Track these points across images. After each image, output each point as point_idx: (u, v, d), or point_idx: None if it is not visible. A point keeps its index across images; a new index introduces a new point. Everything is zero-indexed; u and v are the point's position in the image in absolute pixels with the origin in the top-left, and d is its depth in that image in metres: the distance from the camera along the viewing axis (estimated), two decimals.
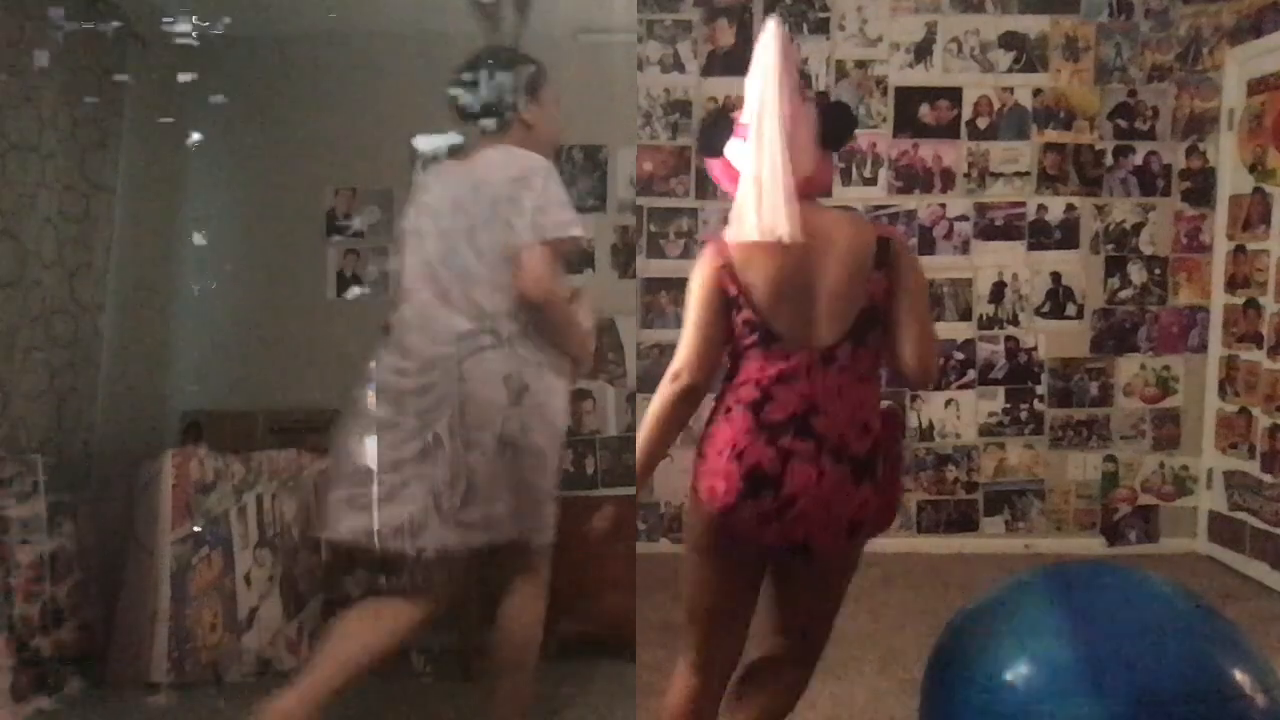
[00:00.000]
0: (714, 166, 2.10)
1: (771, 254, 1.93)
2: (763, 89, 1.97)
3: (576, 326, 2.51)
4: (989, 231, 4.56)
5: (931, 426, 4.59)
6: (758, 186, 1.92)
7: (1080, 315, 4.53)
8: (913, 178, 4.57)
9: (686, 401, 2.00)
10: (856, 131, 4.53)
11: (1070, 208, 4.52)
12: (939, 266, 4.57)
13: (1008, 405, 4.54)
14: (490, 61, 2.64)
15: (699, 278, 1.99)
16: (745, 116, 2.01)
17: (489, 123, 2.59)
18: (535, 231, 2.43)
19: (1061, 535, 4.49)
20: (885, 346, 2.05)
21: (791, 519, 1.90)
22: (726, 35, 4.55)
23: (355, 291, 4.33)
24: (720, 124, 2.08)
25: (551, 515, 2.56)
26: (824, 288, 1.95)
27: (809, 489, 1.90)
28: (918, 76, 4.55)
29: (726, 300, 1.95)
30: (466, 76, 2.63)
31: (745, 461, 1.91)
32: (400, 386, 2.54)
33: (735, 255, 1.96)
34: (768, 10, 4.53)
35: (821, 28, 4.55)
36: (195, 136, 4.33)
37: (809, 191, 1.98)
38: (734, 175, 2.02)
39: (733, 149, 2.04)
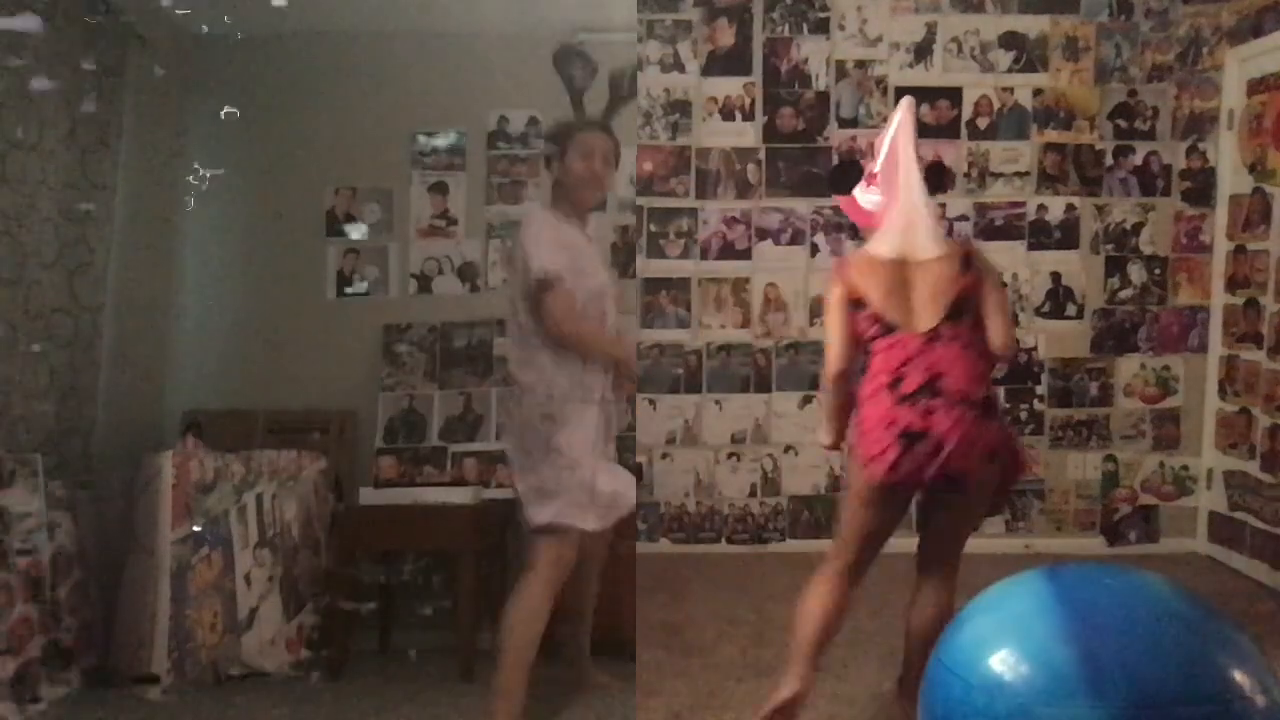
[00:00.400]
0: (842, 201, 2.86)
1: (878, 267, 2.61)
2: (903, 152, 2.65)
3: (603, 348, 2.95)
4: (989, 231, 4.56)
5: None
6: (906, 221, 2.61)
7: (1080, 315, 4.53)
8: None
9: (843, 383, 2.69)
10: (856, 132, 4.55)
11: (1070, 208, 4.52)
12: None
13: (1008, 405, 4.54)
14: (547, 139, 3.18)
15: (834, 291, 2.68)
16: (878, 168, 2.70)
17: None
18: (525, 276, 2.88)
19: (1061, 535, 4.49)
20: (976, 329, 2.57)
21: (944, 457, 2.45)
22: (726, 35, 4.55)
23: (357, 287, 4.34)
24: (851, 171, 2.81)
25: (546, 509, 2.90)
26: (920, 287, 2.57)
27: (951, 430, 2.44)
28: (918, 76, 4.55)
29: (853, 303, 2.63)
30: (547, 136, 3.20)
31: (896, 428, 2.47)
32: None
33: (854, 271, 2.64)
34: (768, 10, 4.53)
35: (821, 28, 4.55)
36: (195, 136, 4.34)
37: None
38: (857, 209, 2.78)
39: (860, 191, 2.76)
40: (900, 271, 2.59)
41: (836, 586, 2.74)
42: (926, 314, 2.55)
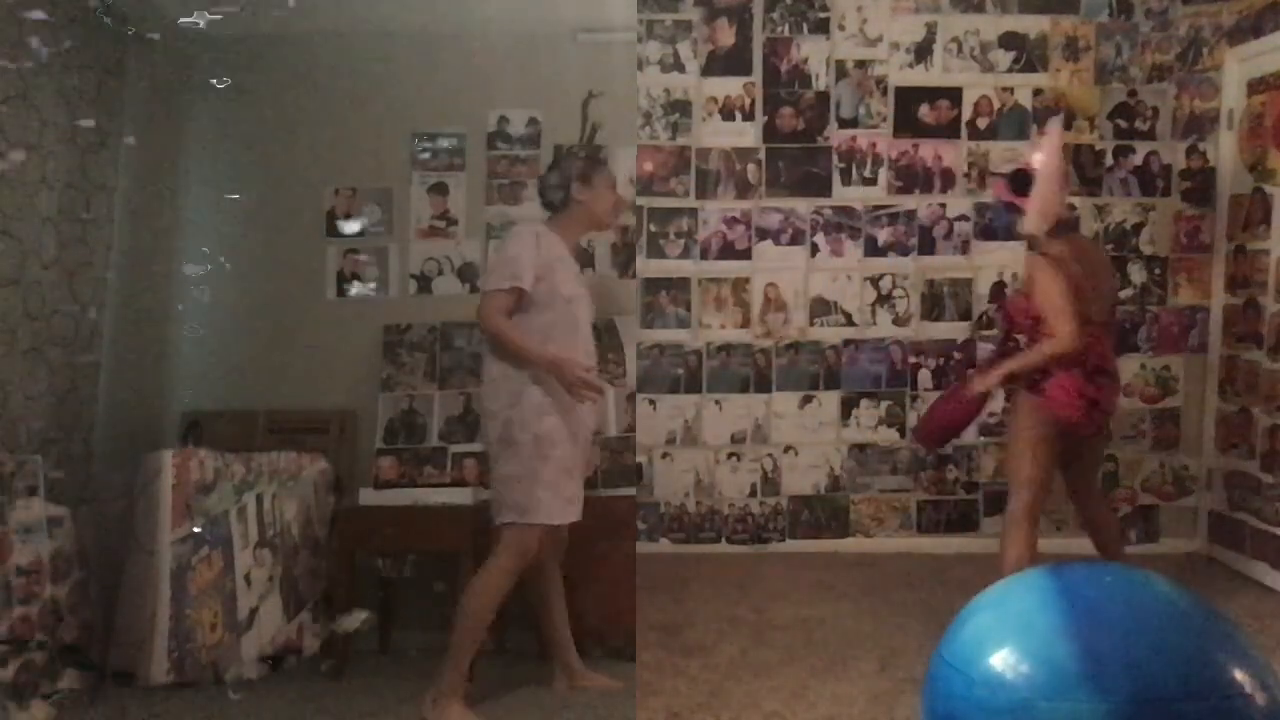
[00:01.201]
0: (1019, 200, 3.38)
1: (1074, 262, 3.24)
2: (1053, 166, 3.36)
3: (528, 352, 3.18)
4: (989, 231, 4.56)
5: None
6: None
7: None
8: (913, 178, 4.57)
9: (1065, 360, 3.22)
10: (856, 132, 4.55)
11: (1070, 208, 4.51)
12: (939, 266, 4.57)
13: (1008, 405, 4.53)
14: (558, 161, 3.60)
15: (1059, 276, 3.21)
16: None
17: (549, 206, 3.45)
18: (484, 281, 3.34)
19: (1061, 535, 4.49)
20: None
21: (1102, 418, 3.30)
22: (726, 35, 4.55)
23: (357, 289, 4.33)
24: (1025, 177, 3.39)
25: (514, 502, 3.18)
26: (1097, 284, 3.30)
27: (1110, 401, 3.30)
28: (918, 76, 4.55)
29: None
30: (545, 173, 3.55)
31: (1086, 397, 3.21)
32: None
33: (1067, 262, 3.24)
34: (768, 10, 4.53)
35: (821, 28, 4.55)
36: (195, 136, 4.34)
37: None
38: (1029, 204, 3.35)
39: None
40: (1089, 269, 3.29)
41: (1034, 530, 3.32)
42: (1099, 308, 3.28)
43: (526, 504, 3.16)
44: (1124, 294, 4.53)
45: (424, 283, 4.33)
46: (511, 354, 3.19)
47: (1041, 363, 3.24)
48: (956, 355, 4.56)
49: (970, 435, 4.58)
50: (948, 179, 4.55)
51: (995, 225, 3.71)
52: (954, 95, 4.55)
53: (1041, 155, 3.41)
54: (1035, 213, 3.33)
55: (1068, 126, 4.53)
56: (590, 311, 3.43)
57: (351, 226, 4.34)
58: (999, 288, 4.56)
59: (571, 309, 3.30)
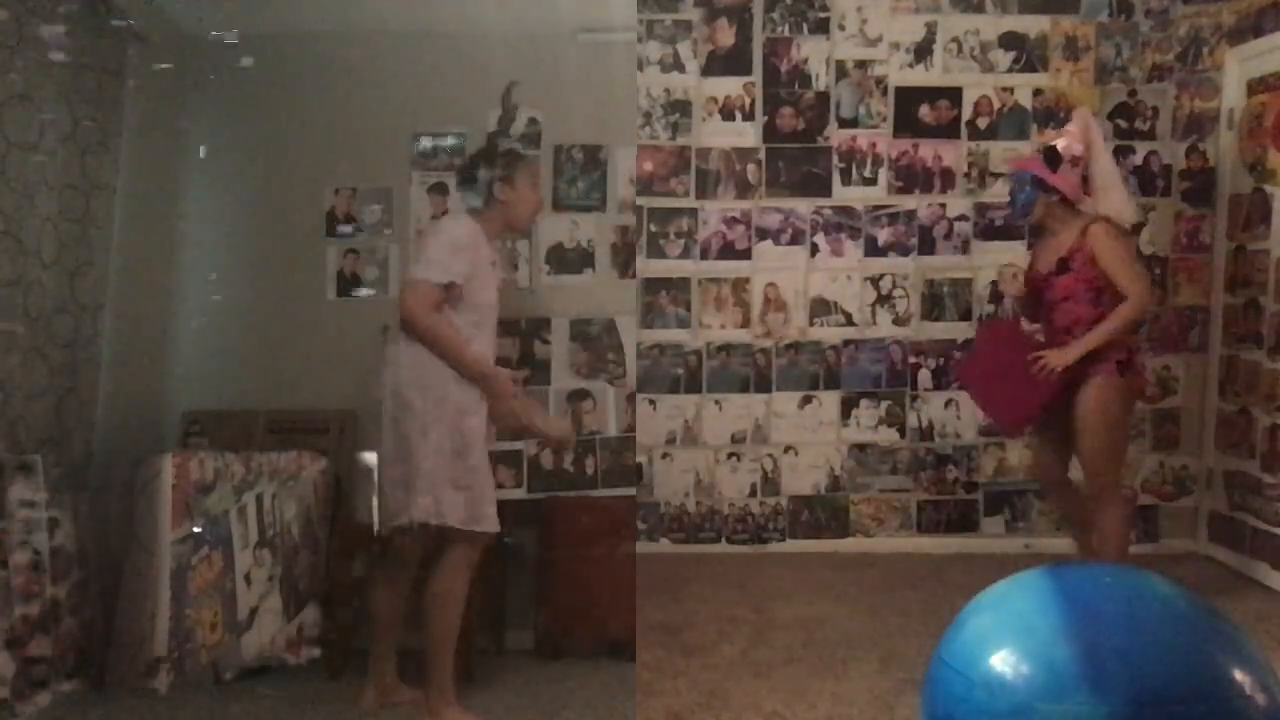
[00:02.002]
0: (1050, 175, 3.53)
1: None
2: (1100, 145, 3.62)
3: (461, 360, 3.08)
4: (989, 231, 4.56)
5: (931, 426, 4.59)
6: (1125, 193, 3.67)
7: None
8: (913, 178, 4.57)
9: (1137, 324, 3.62)
10: (856, 132, 4.55)
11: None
12: (939, 266, 4.57)
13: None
14: (479, 157, 3.36)
15: (1126, 244, 3.54)
16: (1078, 152, 3.56)
17: (472, 200, 3.30)
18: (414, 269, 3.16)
19: (1061, 535, 4.48)
20: None
21: None
22: (726, 35, 4.55)
23: (362, 292, 4.33)
24: (1058, 155, 3.54)
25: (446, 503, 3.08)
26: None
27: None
28: (918, 76, 4.56)
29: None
30: (468, 163, 3.36)
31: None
32: None
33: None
34: (768, 10, 4.53)
35: (821, 28, 4.55)
36: (195, 136, 4.33)
37: None
38: (1069, 183, 3.54)
39: (1067, 171, 3.55)
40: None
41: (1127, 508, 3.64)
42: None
43: (479, 514, 3.10)
44: None
45: None
46: (441, 354, 3.05)
47: (1122, 330, 3.40)
48: (957, 355, 4.56)
49: (970, 435, 4.59)
50: (948, 179, 4.56)
51: (1016, 203, 3.60)
52: (954, 95, 4.55)
53: (1069, 140, 3.56)
54: (1095, 190, 3.56)
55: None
56: (495, 320, 3.32)
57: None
58: (999, 288, 4.56)
59: (490, 316, 3.23)
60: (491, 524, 3.14)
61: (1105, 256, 3.41)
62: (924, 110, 4.56)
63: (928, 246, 4.57)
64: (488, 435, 3.23)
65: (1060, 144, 3.58)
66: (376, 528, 3.15)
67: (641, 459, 4.50)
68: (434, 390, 3.08)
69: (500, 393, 3.15)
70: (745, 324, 4.59)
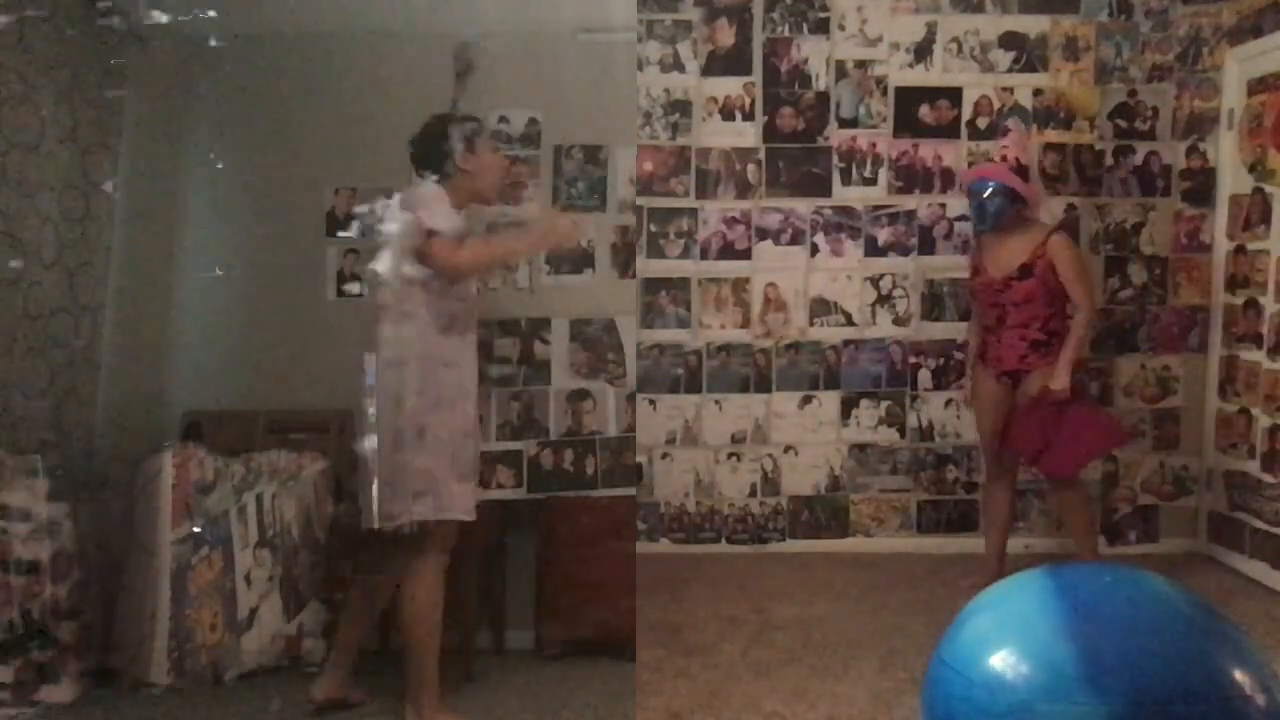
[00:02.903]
0: (1023, 186, 3.74)
1: None
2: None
3: (499, 257, 3.29)
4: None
5: (931, 426, 4.59)
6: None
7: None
8: (913, 178, 4.57)
9: None
10: (856, 132, 4.55)
11: (1070, 208, 4.51)
12: (939, 266, 4.57)
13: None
14: (433, 127, 3.18)
15: (1079, 252, 3.92)
16: (1026, 161, 3.83)
17: (431, 174, 3.12)
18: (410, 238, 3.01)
19: (1061, 535, 4.49)
20: None
21: None
22: (726, 35, 4.55)
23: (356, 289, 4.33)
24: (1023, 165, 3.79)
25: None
26: None
27: None
28: (918, 76, 4.55)
29: None
30: (417, 139, 3.20)
31: None
32: None
33: None
34: (768, 10, 4.53)
35: (821, 28, 4.55)
36: (195, 137, 4.33)
37: None
38: (1029, 191, 3.77)
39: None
40: None
41: None
42: None
43: (444, 498, 2.98)
44: (1124, 294, 4.54)
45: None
46: (502, 264, 3.16)
47: (1087, 337, 3.77)
48: (957, 355, 4.56)
49: (970, 435, 4.58)
50: (948, 179, 4.55)
51: (985, 212, 3.71)
52: (954, 95, 4.55)
53: (1016, 151, 3.76)
54: (1039, 200, 3.79)
55: (1067, 127, 4.54)
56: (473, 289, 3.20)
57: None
58: None
59: (473, 304, 3.14)
60: (464, 510, 3.05)
61: (1065, 267, 3.66)
62: (924, 110, 4.56)
63: (928, 246, 4.57)
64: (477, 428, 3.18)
65: (1011, 153, 3.76)
66: (375, 524, 3.01)
67: (641, 459, 4.50)
68: (414, 379, 2.96)
69: (566, 236, 3.20)
70: (745, 324, 4.59)
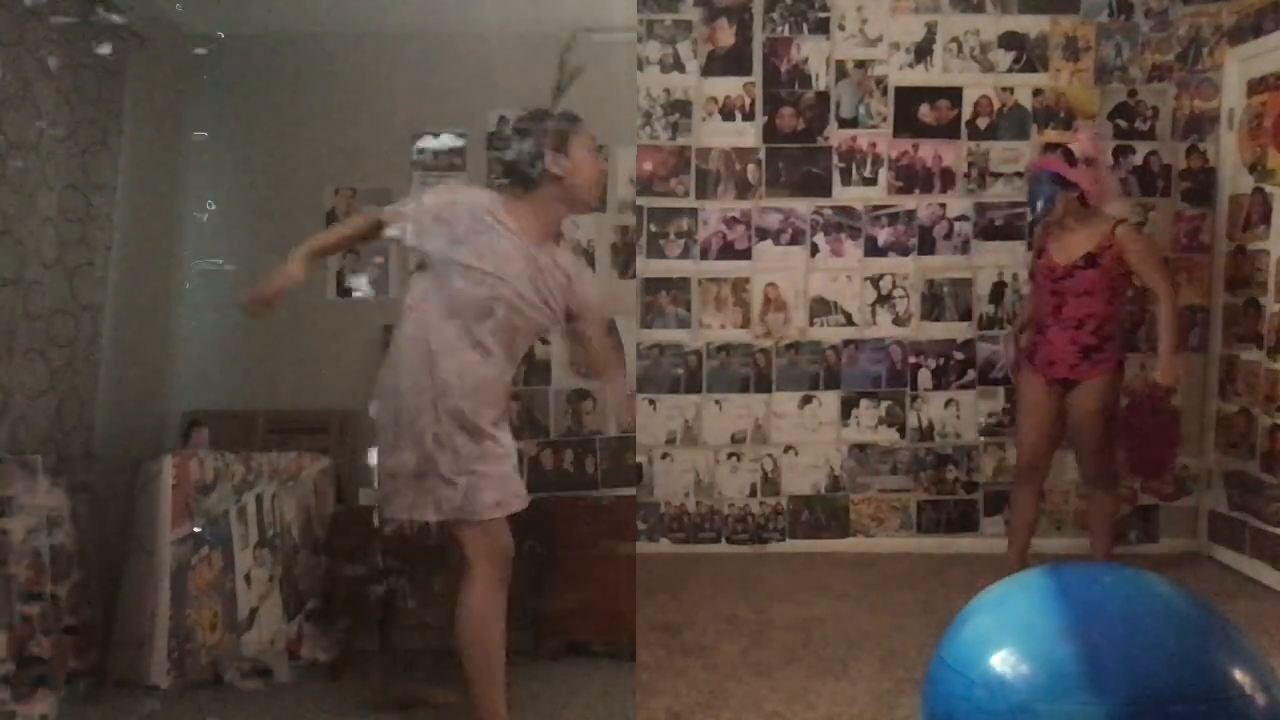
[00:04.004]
0: (1070, 170, 3.65)
1: None
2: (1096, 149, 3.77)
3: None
4: (989, 231, 4.56)
5: (931, 426, 4.59)
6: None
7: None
8: (913, 178, 4.57)
9: None
10: (856, 132, 4.55)
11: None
12: (939, 266, 4.57)
13: (1008, 405, 4.54)
14: (523, 127, 2.80)
15: (1153, 243, 3.96)
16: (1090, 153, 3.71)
17: (517, 183, 2.78)
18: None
19: (1061, 535, 4.49)
20: None
21: None
22: (726, 35, 4.55)
23: (359, 292, 4.33)
24: (1074, 154, 3.69)
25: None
26: None
27: None
28: (918, 76, 4.55)
29: None
30: (500, 144, 2.91)
31: None
32: None
33: None
34: (768, 10, 4.53)
35: (821, 28, 4.55)
36: (195, 136, 4.34)
37: None
38: (1081, 177, 3.66)
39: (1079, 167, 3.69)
40: None
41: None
42: None
43: (501, 497, 2.78)
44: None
45: None
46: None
47: (1181, 326, 3.76)
48: (958, 355, 4.56)
49: (970, 435, 4.59)
50: (948, 179, 4.55)
51: (1037, 200, 3.71)
52: (954, 95, 4.55)
53: (1082, 145, 3.70)
54: (1104, 187, 3.74)
55: (1067, 127, 4.53)
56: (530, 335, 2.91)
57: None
58: (999, 288, 4.56)
59: (484, 318, 2.73)
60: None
61: (1139, 257, 3.63)
62: (924, 110, 4.56)
63: (928, 246, 4.57)
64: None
65: (1075, 146, 3.72)
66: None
67: (641, 459, 4.50)
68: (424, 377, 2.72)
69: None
70: (745, 324, 4.59)
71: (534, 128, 2.76)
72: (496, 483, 2.78)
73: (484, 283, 2.70)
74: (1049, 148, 4.50)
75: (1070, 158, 3.69)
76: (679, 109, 4.56)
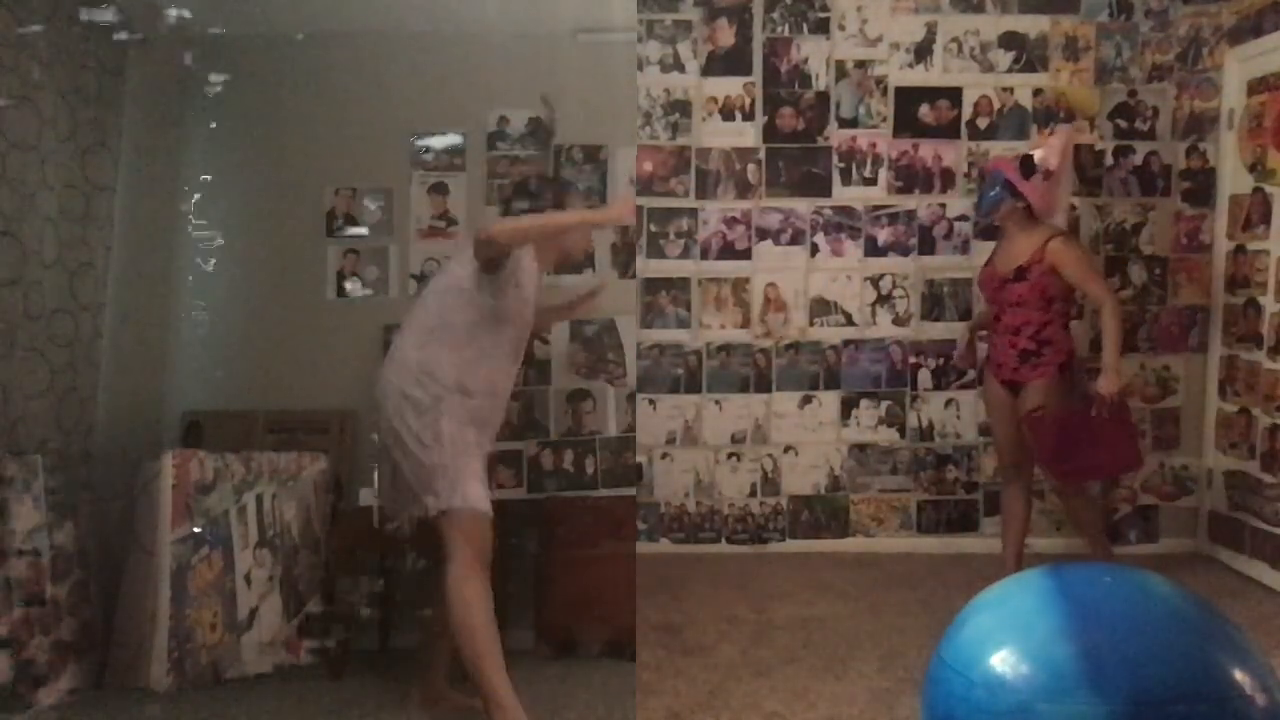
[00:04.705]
0: (1021, 182, 3.68)
1: None
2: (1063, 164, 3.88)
3: (560, 221, 3.46)
4: (989, 231, 4.55)
5: (931, 426, 4.59)
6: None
7: (1080, 315, 4.52)
8: (913, 178, 4.57)
9: None
10: (856, 132, 4.55)
11: (1070, 207, 4.51)
12: (939, 266, 4.57)
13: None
14: (523, 186, 3.53)
15: (1085, 252, 3.89)
16: (1053, 166, 3.72)
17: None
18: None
19: (1061, 535, 4.49)
20: None
21: None
22: (726, 35, 4.55)
23: (356, 289, 4.33)
24: (1033, 164, 3.69)
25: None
26: None
27: None
28: (918, 76, 4.55)
29: None
30: (511, 193, 3.52)
31: None
32: None
33: None
34: (768, 10, 4.53)
35: (821, 28, 4.55)
36: (195, 136, 4.33)
37: None
38: (1039, 195, 3.70)
39: (1039, 181, 3.70)
40: None
41: None
42: None
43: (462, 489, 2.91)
44: (1124, 294, 4.53)
45: (424, 283, 4.32)
46: (543, 232, 3.17)
47: (1120, 334, 3.63)
48: (957, 355, 4.56)
49: (970, 435, 4.59)
50: (948, 179, 4.56)
51: (984, 200, 3.79)
52: (954, 95, 4.55)
53: (1048, 152, 3.70)
54: (1053, 202, 3.76)
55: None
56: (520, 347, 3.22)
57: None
58: None
59: (516, 333, 3.13)
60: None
61: (1071, 268, 3.63)
62: (924, 110, 4.56)
63: (928, 246, 4.57)
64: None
65: (1038, 154, 3.73)
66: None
67: (641, 459, 4.50)
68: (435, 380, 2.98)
69: (621, 217, 3.48)
70: (745, 324, 4.59)
71: (536, 186, 3.48)
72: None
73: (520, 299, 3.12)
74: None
75: (1028, 167, 3.70)
76: (679, 109, 4.56)
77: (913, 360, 4.59)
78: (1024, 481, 3.90)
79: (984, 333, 4.08)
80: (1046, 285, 3.66)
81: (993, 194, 3.75)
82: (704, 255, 4.57)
